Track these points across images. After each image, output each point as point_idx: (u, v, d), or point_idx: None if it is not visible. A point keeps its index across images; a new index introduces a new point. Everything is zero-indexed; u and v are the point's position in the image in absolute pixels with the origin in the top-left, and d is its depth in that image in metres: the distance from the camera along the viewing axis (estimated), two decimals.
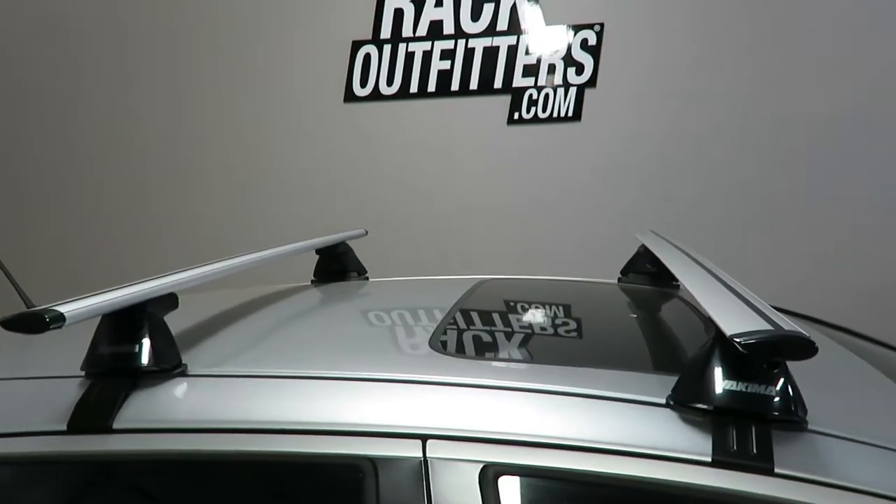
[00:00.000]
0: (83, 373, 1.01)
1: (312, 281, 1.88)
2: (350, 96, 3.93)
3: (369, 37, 3.89)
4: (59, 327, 0.85)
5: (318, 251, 1.85)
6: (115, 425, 0.95)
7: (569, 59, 3.66)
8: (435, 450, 0.86)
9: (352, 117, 3.92)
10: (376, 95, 3.92)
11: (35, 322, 0.84)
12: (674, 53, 3.52)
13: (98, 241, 4.15)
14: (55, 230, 4.22)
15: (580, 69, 3.65)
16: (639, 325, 1.42)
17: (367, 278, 1.91)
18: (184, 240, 4.03)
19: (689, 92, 3.51)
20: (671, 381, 0.90)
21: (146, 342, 0.99)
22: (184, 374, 1.02)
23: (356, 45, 3.90)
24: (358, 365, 1.01)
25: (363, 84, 3.95)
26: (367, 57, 3.90)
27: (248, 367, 1.03)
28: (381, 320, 1.37)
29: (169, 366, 1.01)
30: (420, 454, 0.86)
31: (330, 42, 3.91)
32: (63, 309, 0.87)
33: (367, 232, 2.10)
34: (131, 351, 0.99)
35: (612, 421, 0.86)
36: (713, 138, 3.49)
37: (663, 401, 0.88)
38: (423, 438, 0.87)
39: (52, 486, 0.99)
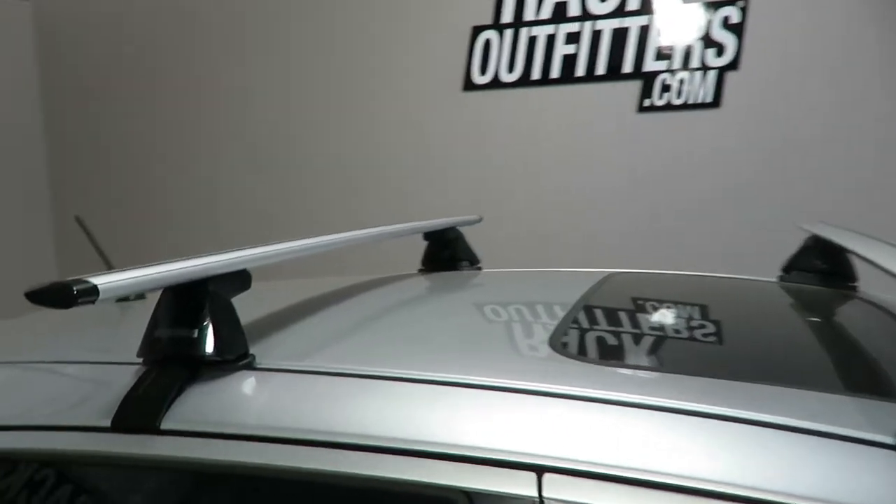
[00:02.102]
0: (140, 360, 0.85)
1: (420, 270, 1.69)
2: (469, 85, 3.75)
3: (490, 21, 3.68)
4: (91, 302, 0.69)
5: (426, 236, 1.66)
6: (165, 425, 0.78)
7: (707, 40, 3.31)
8: (553, 488, 0.64)
9: (471, 106, 3.73)
10: (496, 83, 3.71)
11: (62, 294, 0.68)
12: (829, 32, 3.10)
13: (208, 231, 4.17)
14: (167, 219, 4.28)
15: (720, 50, 3.29)
16: (826, 333, 1.11)
17: (479, 268, 1.70)
18: (296, 232, 3.97)
19: (846, 74, 3.08)
20: (890, 408, 0.64)
21: (206, 326, 0.82)
22: (250, 366, 0.85)
23: (476, 31, 3.70)
24: (461, 367, 0.80)
25: (483, 71, 3.75)
26: (488, 43, 3.70)
27: (331, 363, 0.85)
28: (494, 316, 1.15)
29: (232, 356, 0.84)
30: (534, 493, 0.64)
31: (448, 28, 3.73)
32: (97, 280, 0.70)
33: (481, 218, 1.89)
34: (188, 335, 0.82)
35: (818, 466, 0.59)
36: (878, 122, 3.05)
37: (891, 439, 0.61)
38: (539, 471, 0.65)
39: (90, 490, 0.84)
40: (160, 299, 0.85)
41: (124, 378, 0.84)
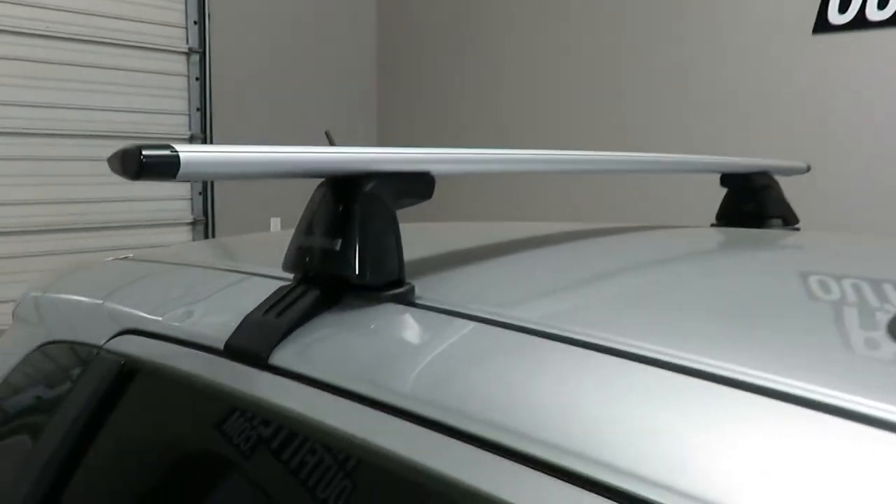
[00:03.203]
0: (285, 275, 0.67)
1: (714, 224, 1.31)
2: (823, 25, 3.09)
3: None
4: (168, 176, 0.50)
5: (724, 180, 1.27)
6: (275, 359, 0.58)
7: None
8: None
9: (821, 52, 3.08)
10: (860, 23, 3.00)
11: (127, 161, 0.49)
12: None
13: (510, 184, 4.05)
14: None
15: None
16: None
17: (797, 229, 1.27)
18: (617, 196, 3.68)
19: None
20: None
21: (352, 237, 0.60)
22: (404, 299, 0.61)
23: None
24: (749, 360, 0.47)
25: (843, 9, 3.06)
26: None
27: (539, 318, 0.57)
28: (822, 291, 0.76)
29: (381, 281, 0.61)
30: None
31: None
32: (184, 149, 0.51)
33: (809, 167, 1.43)
34: (326, 247, 0.61)
35: None
36: None
37: None
38: None
39: (191, 420, 0.68)
40: (311, 199, 0.65)
41: (252, 291, 0.65)
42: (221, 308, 0.72)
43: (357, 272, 0.59)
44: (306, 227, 0.63)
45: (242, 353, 0.60)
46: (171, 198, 3.84)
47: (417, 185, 0.67)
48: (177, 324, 0.71)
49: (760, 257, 0.97)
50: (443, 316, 0.58)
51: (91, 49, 3.43)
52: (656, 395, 0.44)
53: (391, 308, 0.60)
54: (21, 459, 0.82)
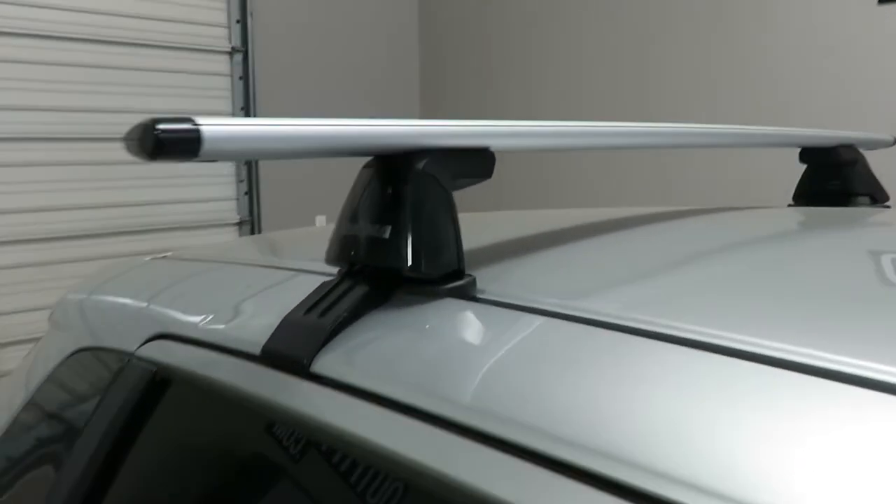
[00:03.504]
0: (331, 270, 0.59)
1: (792, 204, 1.19)
2: None
3: None
4: (189, 155, 0.43)
5: (804, 155, 1.15)
6: (317, 366, 0.50)
7: None
8: None
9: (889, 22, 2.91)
10: None
11: (142, 138, 0.42)
12: None
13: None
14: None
15: None
16: None
17: (888, 206, 1.14)
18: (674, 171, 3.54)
19: None
20: None
21: (403, 224, 0.52)
22: (464, 292, 0.53)
23: None
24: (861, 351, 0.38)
25: None
26: None
27: (607, 306, 0.49)
28: None
29: (437, 273, 0.53)
30: None
31: None
32: (208, 121, 0.43)
33: (895, 140, 1.30)
34: (373, 235, 0.53)
35: None
36: None
37: None
38: None
39: (227, 435, 0.61)
40: (355, 181, 0.57)
41: (305, 291, 0.58)
42: (260, 308, 0.65)
43: (410, 263, 0.51)
44: (351, 213, 0.56)
45: (281, 360, 0.52)
46: (217, 198, 3.82)
47: (476, 163, 0.58)
48: (211, 327, 0.64)
49: (860, 238, 0.86)
50: (511, 312, 0.50)
51: (132, 52, 3.43)
52: (784, 401, 0.36)
53: (450, 304, 0.52)
54: (54, 471, 0.77)
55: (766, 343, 0.39)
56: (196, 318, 0.67)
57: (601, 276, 0.61)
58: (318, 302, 0.54)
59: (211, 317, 0.66)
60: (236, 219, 3.89)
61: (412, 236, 0.51)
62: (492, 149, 0.59)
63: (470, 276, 0.54)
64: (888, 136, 1.29)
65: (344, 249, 0.55)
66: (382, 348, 0.50)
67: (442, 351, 0.48)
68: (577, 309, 0.48)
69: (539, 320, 0.48)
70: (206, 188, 3.74)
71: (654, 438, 0.35)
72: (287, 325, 0.54)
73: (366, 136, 0.52)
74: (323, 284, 0.56)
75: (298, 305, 0.55)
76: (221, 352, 0.58)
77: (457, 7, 4.39)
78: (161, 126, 0.41)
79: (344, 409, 0.47)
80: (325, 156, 0.53)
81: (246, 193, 3.90)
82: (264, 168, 3.87)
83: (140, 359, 0.69)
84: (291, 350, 0.52)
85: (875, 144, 1.24)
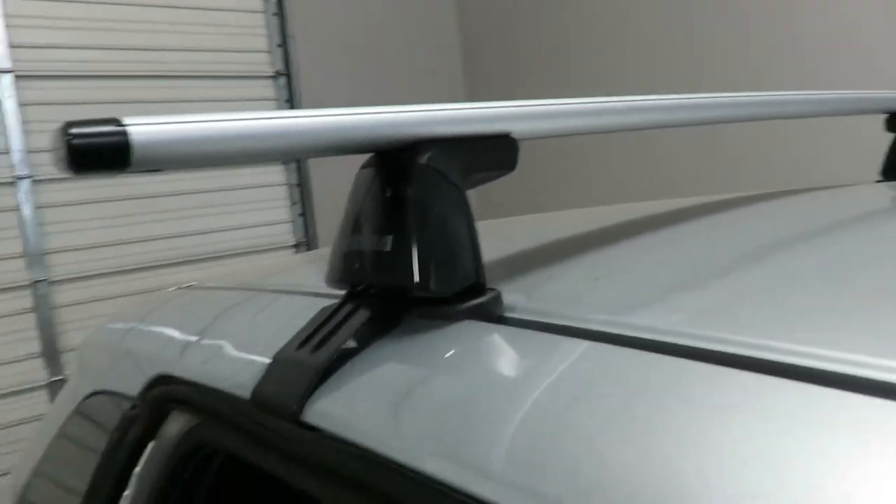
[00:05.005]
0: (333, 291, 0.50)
1: (880, 180, 1.05)
2: None
3: None
4: (122, 165, 0.34)
5: (892, 120, 1.01)
6: (308, 414, 0.40)
7: None
8: None
9: None
10: None
11: (63, 148, 0.34)
12: None
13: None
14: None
15: None
16: None
17: None
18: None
19: None
20: None
21: (406, 231, 0.42)
22: (485, 312, 0.43)
23: None
24: None
25: None
26: None
27: (664, 322, 0.39)
28: None
29: (451, 290, 0.43)
30: None
31: None
32: (137, 121, 0.35)
33: None
34: (371, 247, 0.44)
35: None
36: None
37: None
38: None
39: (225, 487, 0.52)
40: (353, 184, 0.48)
41: (291, 316, 0.49)
42: (261, 342, 0.57)
43: (417, 279, 0.42)
44: (351, 224, 0.47)
45: (270, 405, 0.43)
46: (273, 222, 3.82)
47: (494, 153, 0.48)
48: (208, 367, 0.56)
49: None
50: (547, 336, 0.39)
51: (178, 84, 3.45)
52: None
53: (469, 327, 0.42)
54: None
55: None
56: (196, 358, 0.59)
57: (658, 284, 0.50)
58: (314, 333, 0.44)
59: (210, 355, 0.57)
60: (292, 241, 3.87)
61: (418, 246, 0.42)
62: (514, 135, 0.49)
63: (493, 290, 0.44)
64: None
65: (344, 267, 0.46)
66: (386, 391, 0.40)
67: (461, 396, 0.38)
68: (631, 327, 0.37)
69: (583, 345, 0.37)
70: (261, 213, 3.73)
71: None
72: (278, 364, 0.45)
73: (354, 128, 0.43)
74: (322, 311, 0.46)
75: (293, 338, 0.46)
76: (217, 396, 0.50)
77: (497, 25, 4.29)
78: (74, 130, 0.33)
79: (341, 465, 0.37)
80: (311, 156, 0.44)
81: (301, 215, 3.88)
82: (317, 190, 3.85)
83: (143, 403, 0.62)
84: (280, 394, 0.42)
85: None
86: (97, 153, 0.33)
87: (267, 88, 3.78)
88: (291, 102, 3.81)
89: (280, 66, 3.80)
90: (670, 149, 3.42)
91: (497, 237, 0.66)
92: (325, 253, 0.91)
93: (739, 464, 0.26)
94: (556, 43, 4.03)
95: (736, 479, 0.26)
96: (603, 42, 3.81)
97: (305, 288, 0.64)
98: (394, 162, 0.45)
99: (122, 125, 0.34)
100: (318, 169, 3.79)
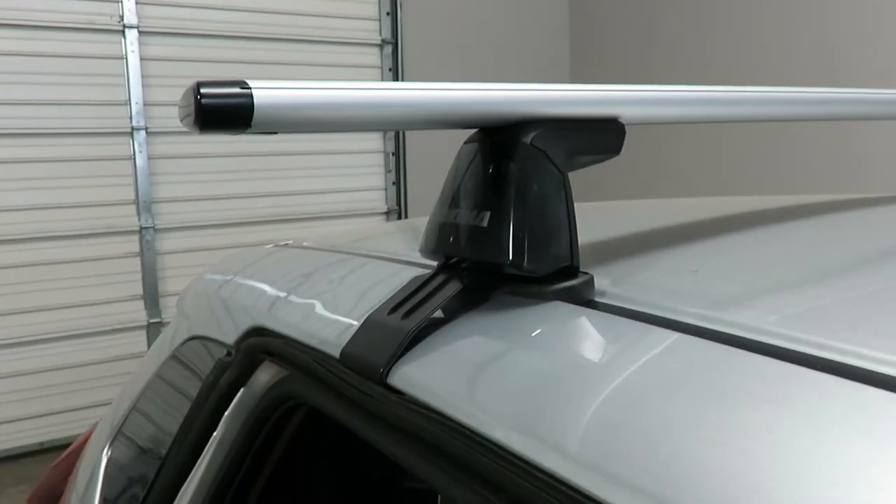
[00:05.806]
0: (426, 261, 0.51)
1: None
2: None
3: None
4: (243, 125, 0.36)
5: None
6: (394, 378, 0.42)
7: None
8: None
9: None
10: None
11: (192, 107, 0.36)
12: None
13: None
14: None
15: None
16: None
17: None
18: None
19: None
20: None
21: (503, 210, 0.43)
22: (579, 295, 0.43)
23: None
24: None
25: None
26: None
27: (762, 320, 0.37)
28: None
29: (545, 270, 0.43)
30: None
31: None
32: (261, 85, 0.36)
33: None
34: (468, 222, 0.44)
35: None
36: None
37: None
38: None
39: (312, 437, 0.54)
40: (455, 159, 0.49)
41: (385, 283, 0.50)
42: (352, 303, 0.58)
43: (511, 257, 0.42)
44: (450, 197, 0.47)
45: (358, 365, 0.45)
46: (367, 188, 3.89)
47: (600, 137, 0.48)
48: (302, 323, 0.58)
49: None
50: (637, 324, 0.39)
51: (286, 47, 3.54)
52: None
53: (559, 309, 0.42)
54: (155, 458, 0.75)
55: None
56: (289, 314, 0.61)
57: (757, 282, 0.48)
58: (406, 300, 0.46)
59: (303, 312, 0.60)
60: (384, 208, 3.93)
61: (514, 224, 0.42)
62: (622, 120, 0.49)
63: (586, 273, 0.44)
64: None
65: (439, 239, 0.47)
66: (472, 363, 0.41)
67: (545, 374, 0.38)
68: (724, 323, 0.36)
69: (673, 336, 0.37)
70: (357, 178, 3.81)
71: None
72: (368, 326, 0.46)
73: (463, 104, 0.43)
74: (414, 279, 0.47)
75: (384, 303, 0.47)
76: (307, 352, 0.52)
77: (607, 9, 4.18)
78: (205, 90, 0.35)
79: (422, 432, 0.38)
80: (418, 127, 0.44)
81: (394, 183, 3.94)
82: (411, 158, 3.89)
83: (238, 352, 0.65)
84: (368, 355, 0.44)
85: None
86: (223, 113, 0.35)
87: (373, 56, 3.83)
88: (395, 71, 3.85)
89: (387, 35, 3.83)
90: (746, 142, 3.27)
91: (595, 221, 0.66)
92: (416, 223, 0.93)
93: (813, 469, 0.26)
94: (669, 31, 3.90)
95: (807, 485, 0.25)
96: (717, 39, 3.67)
97: (397, 255, 0.65)
98: (498, 139, 0.45)
99: (248, 87, 0.35)
100: (414, 139, 3.83)
